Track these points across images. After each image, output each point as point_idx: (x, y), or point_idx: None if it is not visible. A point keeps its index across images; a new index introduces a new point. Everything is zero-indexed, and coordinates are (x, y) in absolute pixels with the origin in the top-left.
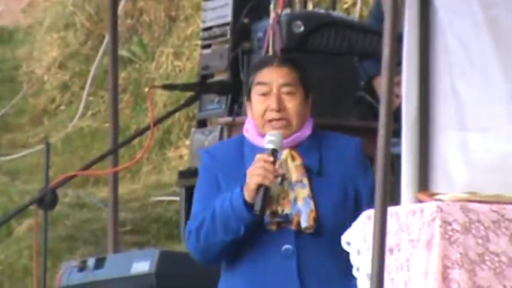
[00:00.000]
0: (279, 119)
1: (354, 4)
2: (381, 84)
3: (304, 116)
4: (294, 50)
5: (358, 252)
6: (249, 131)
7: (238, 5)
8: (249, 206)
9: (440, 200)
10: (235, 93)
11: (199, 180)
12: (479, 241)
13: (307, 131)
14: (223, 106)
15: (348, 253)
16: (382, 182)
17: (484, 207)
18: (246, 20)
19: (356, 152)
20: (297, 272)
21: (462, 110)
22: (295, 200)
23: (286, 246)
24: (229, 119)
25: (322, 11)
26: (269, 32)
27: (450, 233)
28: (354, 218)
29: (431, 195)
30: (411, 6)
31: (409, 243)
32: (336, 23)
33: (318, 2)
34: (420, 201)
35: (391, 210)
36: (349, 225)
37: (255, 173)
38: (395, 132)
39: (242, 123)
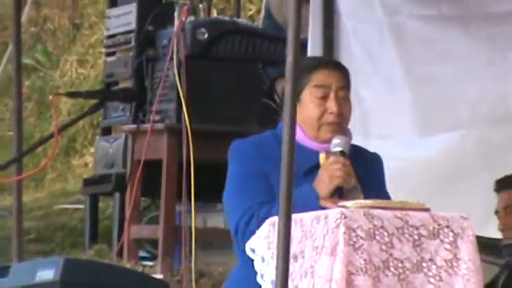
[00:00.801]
0: (338, 123)
1: (258, 11)
2: (284, 87)
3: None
4: (199, 57)
5: (263, 260)
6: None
7: (142, 12)
8: (322, 206)
9: (344, 206)
10: (139, 100)
11: (242, 172)
12: (383, 247)
13: (351, 138)
14: (128, 114)
15: None
16: (286, 190)
17: (388, 214)
18: (150, 28)
19: (380, 166)
20: None
21: (366, 117)
22: None
23: None
24: (134, 126)
25: (226, 18)
26: (173, 40)
27: (354, 239)
28: None
29: (335, 202)
30: (315, 14)
31: (314, 250)
32: (240, 30)
33: (222, 9)
34: (324, 208)
35: (295, 217)
36: None
37: (337, 175)
38: None
39: (146, 131)
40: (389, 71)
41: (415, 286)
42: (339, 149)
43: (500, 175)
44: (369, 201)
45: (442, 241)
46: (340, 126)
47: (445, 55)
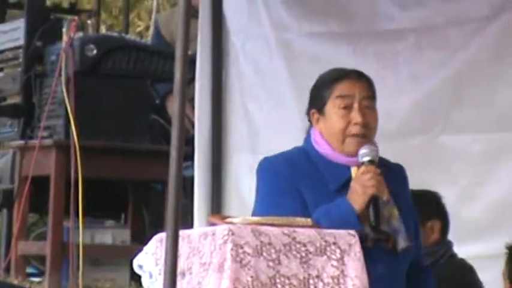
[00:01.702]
0: (363, 134)
1: (147, 28)
2: (173, 106)
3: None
4: (87, 73)
5: (151, 276)
6: (323, 145)
7: (30, 28)
8: (360, 219)
9: (231, 223)
10: (27, 116)
11: (276, 189)
12: (271, 264)
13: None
14: (16, 129)
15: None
16: (174, 205)
17: (276, 230)
18: (38, 43)
19: (406, 181)
20: None
21: (254, 133)
22: (390, 218)
23: (380, 265)
24: (22, 142)
25: (115, 34)
26: (62, 55)
27: (242, 256)
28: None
29: (223, 218)
30: (203, 30)
31: (201, 266)
32: (129, 47)
33: (110, 25)
34: (212, 224)
35: (182, 233)
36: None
37: (369, 184)
38: (188, 155)
39: (34, 147)
40: (278, 88)
41: None
42: (367, 158)
43: None
44: (256, 218)
45: (329, 258)
46: (366, 137)
47: None
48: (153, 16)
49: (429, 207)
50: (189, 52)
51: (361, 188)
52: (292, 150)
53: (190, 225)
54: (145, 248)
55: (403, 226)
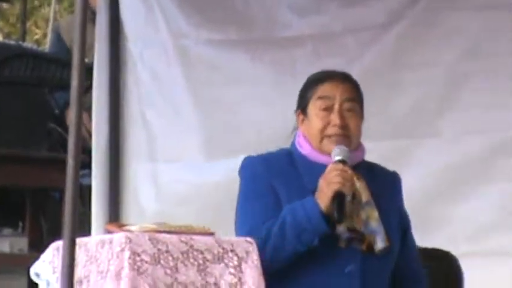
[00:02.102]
0: (341, 135)
1: (44, 35)
2: (70, 115)
3: (360, 137)
4: None
5: (48, 284)
6: (304, 146)
7: None
8: (325, 217)
9: (129, 230)
10: None
11: (251, 188)
12: (168, 271)
13: (363, 153)
14: None
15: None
16: (70, 213)
17: (173, 238)
18: None
19: (398, 185)
20: None
21: (153, 140)
22: (368, 219)
23: (352, 266)
24: None
25: (12, 42)
26: None
27: (139, 263)
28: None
29: (121, 226)
30: (100, 36)
31: (99, 274)
32: (27, 54)
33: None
34: (110, 232)
35: (80, 241)
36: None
37: (334, 181)
38: (86, 163)
39: None
40: (176, 95)
41: None
42: (338, 157)
43: None
44: (154, 225)
45: (226, 265)
46: (345, 138)
47: (233, 79)
48: (50, 24)
49: None
50: (87, 60)
51: (326, 185)
52: (276, 151)
53: (87, 234)
54: (43, 256)
55: (383, 228)
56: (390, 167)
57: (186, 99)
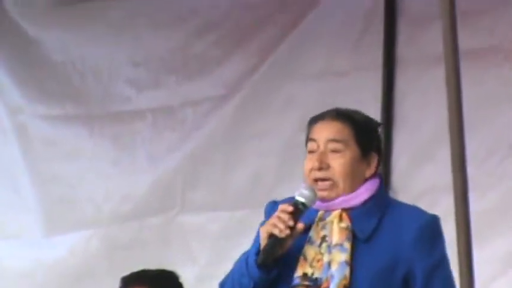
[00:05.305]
0: (323, 179)
1: None
2: None
3: (357, 177)
4: None
5: None
6: None
7: None
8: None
9: None
10: None
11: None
12: None
13: (363, 194)
14: None
15: None
16: None
17: None
18: None
19: (418, 230)
20: None
21: None
22: (330, 263)
23: None
24: None
25: None
26: None
27: None
28: None
29: None
30: None
31: None
32: None
33: None
34: None
35: None
36: None
37: (269, 222)
38: None
39: None
40: (15, 171)
41: None
42: (301, 199)
43: (126, 273)
44: None
45: None
46: (330, 182)
47: (71, 154)
48: None
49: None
50: None
51: (264, 227)
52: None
53: None
54: None
55: (344, 273)
56: (231, 236)
57: (24, 175)
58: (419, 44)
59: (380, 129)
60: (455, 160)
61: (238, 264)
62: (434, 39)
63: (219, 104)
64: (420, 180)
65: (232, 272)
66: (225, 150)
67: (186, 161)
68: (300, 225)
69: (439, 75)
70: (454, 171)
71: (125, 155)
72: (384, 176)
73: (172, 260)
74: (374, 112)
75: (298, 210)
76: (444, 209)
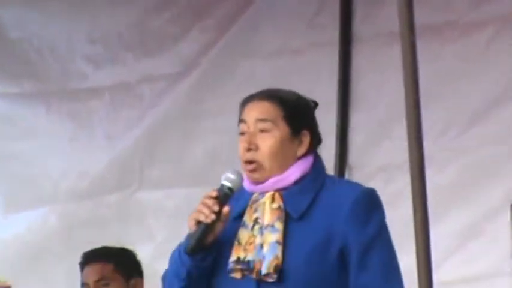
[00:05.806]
0: (250, 162)
1: None
2: None
3: (288, 157)
4: None
5: None
6: None
7: None
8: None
9: None
10: None
11: None
12: None
13: (294, 173)
14: None
15: None
16: None
17: None
18: None
19: (353, 203)
20: None
21: None
22: (262, 245)
23: None
24: None
25: None
26: None
27: None
28: (336, 274)
29: None
30: None
31: None
32: None
33: None
34: None
35: None
36: (328, 281)
37: (196, 210)
38: None
39: None
40: None
41: None
42: (227, 184)
43: (84, 250)
44: None
45: None
46: (255, 165)
47: (28, 132)
48: None
49: (129, 265)
50: None
51: (192, 215)
52: None
53: None
54: None
55: (276, 253)
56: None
57: None
58: (376, 21)
59: (314, 107)
60: (412, 136)
61: (173, 254)
62: (390, 16)
63: (176, 81)
64: (377, 157)
65: (169, 263)
66: (182, 127)
67: (144, 138)
68: (226, 209)
69: (395, 52)
70: (410, 147)
71: (82, 132)
72: (340, 153)
73: (130, 237)
74: (330, 90)
75: (225, 195)
76: (401, 186)
